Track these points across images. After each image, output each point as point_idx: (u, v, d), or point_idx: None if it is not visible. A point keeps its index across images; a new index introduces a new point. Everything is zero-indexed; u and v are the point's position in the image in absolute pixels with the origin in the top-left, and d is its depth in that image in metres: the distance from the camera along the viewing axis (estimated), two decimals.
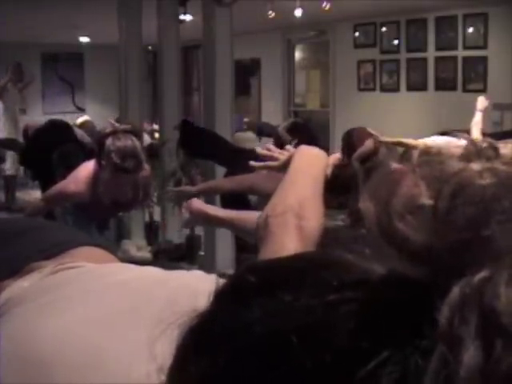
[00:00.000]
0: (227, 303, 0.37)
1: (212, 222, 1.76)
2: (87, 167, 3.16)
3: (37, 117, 8.56)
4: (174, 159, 5.42)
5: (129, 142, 2.99)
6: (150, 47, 9.13)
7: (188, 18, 5.85)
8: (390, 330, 0.31)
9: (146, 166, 3.20)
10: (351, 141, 5.07)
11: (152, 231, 5.67)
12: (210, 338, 0.36)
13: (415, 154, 0.38)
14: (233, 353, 0.33)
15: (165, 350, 0.39)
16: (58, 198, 3.23)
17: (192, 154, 5.08)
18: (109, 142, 2.97)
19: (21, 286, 0.87)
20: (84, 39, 10.22)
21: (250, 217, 1.43)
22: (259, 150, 1.47)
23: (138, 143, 3.05)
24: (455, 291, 0.30)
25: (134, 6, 5.64)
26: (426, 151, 0.38)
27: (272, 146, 1.48)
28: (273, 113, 9.53)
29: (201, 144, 4.71)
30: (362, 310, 0.32)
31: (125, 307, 0.76)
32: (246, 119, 8.62)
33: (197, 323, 0.36)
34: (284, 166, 1.28)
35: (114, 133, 3.05)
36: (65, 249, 1.01)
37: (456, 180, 0.35)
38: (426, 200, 0.34)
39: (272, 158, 1.39)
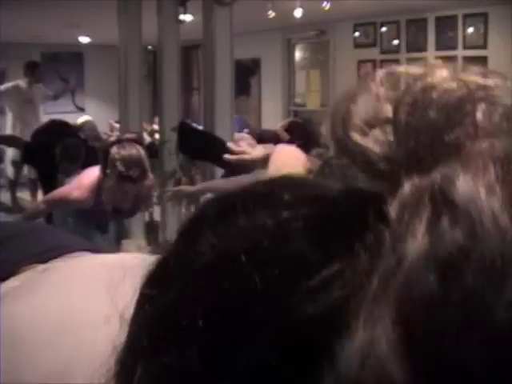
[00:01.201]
0: (183, 238, 0.36)
1: None
2: (91, 174, 3.17)
3: None
4: (174, 159, 5.42)
5: (134, 150, 3.01)
6: (150, 47, 9.13)
7: (188, 18, 5.85)
8: (341, 240, 0.29)
9: (150, 175, 3.21)
10: None
11: (152, 231, 5.68)
12: (163, 272, 0.35)
13: (380, 72, 0.35)
14: (183, 282, 0.32)
15: (126, 295, 0.38)
16: (61, 202, 3.24)
17: (190, 155, 5.09)
18: (114, 150, 2.98)
19: (12, 284, 0.87)
20: (84, 39, 10.21)
21: None
22: (231, 145, 1.52)
23: (142, 152, 3.06)
24: (407, 186, 0.28)
25: (134, 6, 5.64)
26: (391, 71, 0.35)
27: (242, 143, 1.54)
28: (273, 113, 9.54)
29: (198, 146, 4.72)
30: (314, 224, 0.30)
31: (98, 281, 0.77)
32: (247, 130, 8.58)
33: (156, 264, 0.36)
34: (260, 161, 1.29)
35: (119, 141, 3.07)
36: (59, 254, 1.00)
37: (419, 85, 0.32)
38: (388, 110, 0.32)
39: (244, 153, 1.43)
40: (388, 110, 0.32)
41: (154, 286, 0.35)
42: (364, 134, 0.32)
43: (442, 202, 0.27)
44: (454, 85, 0.32)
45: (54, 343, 0.67)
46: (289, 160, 1.22)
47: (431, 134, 0.30)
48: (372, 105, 0.33)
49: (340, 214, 0.31)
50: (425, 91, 0.32)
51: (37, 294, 0.78)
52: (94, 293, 0.73)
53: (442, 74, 0.33)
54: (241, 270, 0.30)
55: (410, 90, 0.32)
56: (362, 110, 0.33)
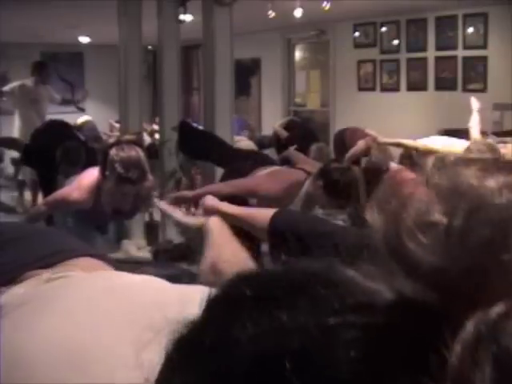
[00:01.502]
0: (219, 315, 0.34)
1: (225, 218, 1.80)
2: (91, 175, 3.17)
3: None
4: (174, 159, 5.42)
5: (133, 152, 3.00)
6: (150, 47, 9.13)
7: (188, 18, 5.85)
8: (394, 363, 0.27)
9: (150, 177, 3.20)
10: (343, 141, 5.07)
11: (152, 231, 5.67)
12: (198, 351, 0.33)
13: (429, 161, 0.34)
14: (219, 371, 0.31)
15: (152, 358, 0.36)
16: (61, 204, 3.24)
17: (190, 155, 5.09)
18: (113, 152, 2.97)
19: (16, 292, 0.86)
20: (84, 39, 10.21)
21: (261, 214, 1.47)
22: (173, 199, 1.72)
23: (141, 154, 3.06)
24: (469, 327, 0.27)
25: (133, 6, 5.64)
26: (441, 159, 0.34)
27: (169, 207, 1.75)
28: (273, 113, 9.53)
29: (198, 145, 4.72)
30: (364, 339, 0.29)
31: (112, 311, 0.74)
32: (246, 131, 8.56)
33: (186, 333, 0.34)
34: (195, 227, 1.44)
35: (118, 143, 3.06)
36: (63, 259, 0.99)
37: (472, 197, 0.31)
38: (440, 217, 0.31)
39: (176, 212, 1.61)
40: (438, 211, 0.31)
41: (185, 360, 0.33)
42: (415, 237, 0.30)
43: (508, 371, 0.26)
44: (505, 199, 0.31)
45: (58, 378, 0.65)
46: (222, 235, 1.34)
47: (487, 253, 0.29)
48: (422, 204, 0.32)
49: (393, 332, 0.29)
50: (479, 205, 0.30)
51: (45, 315, 0.75)
52: (106, 330, 0.70)
53: (492, 184, 0.31)
54: (284, 378, 0.28)
55: (463, 199, 0.31)
56: (412, 208, 0.32)
